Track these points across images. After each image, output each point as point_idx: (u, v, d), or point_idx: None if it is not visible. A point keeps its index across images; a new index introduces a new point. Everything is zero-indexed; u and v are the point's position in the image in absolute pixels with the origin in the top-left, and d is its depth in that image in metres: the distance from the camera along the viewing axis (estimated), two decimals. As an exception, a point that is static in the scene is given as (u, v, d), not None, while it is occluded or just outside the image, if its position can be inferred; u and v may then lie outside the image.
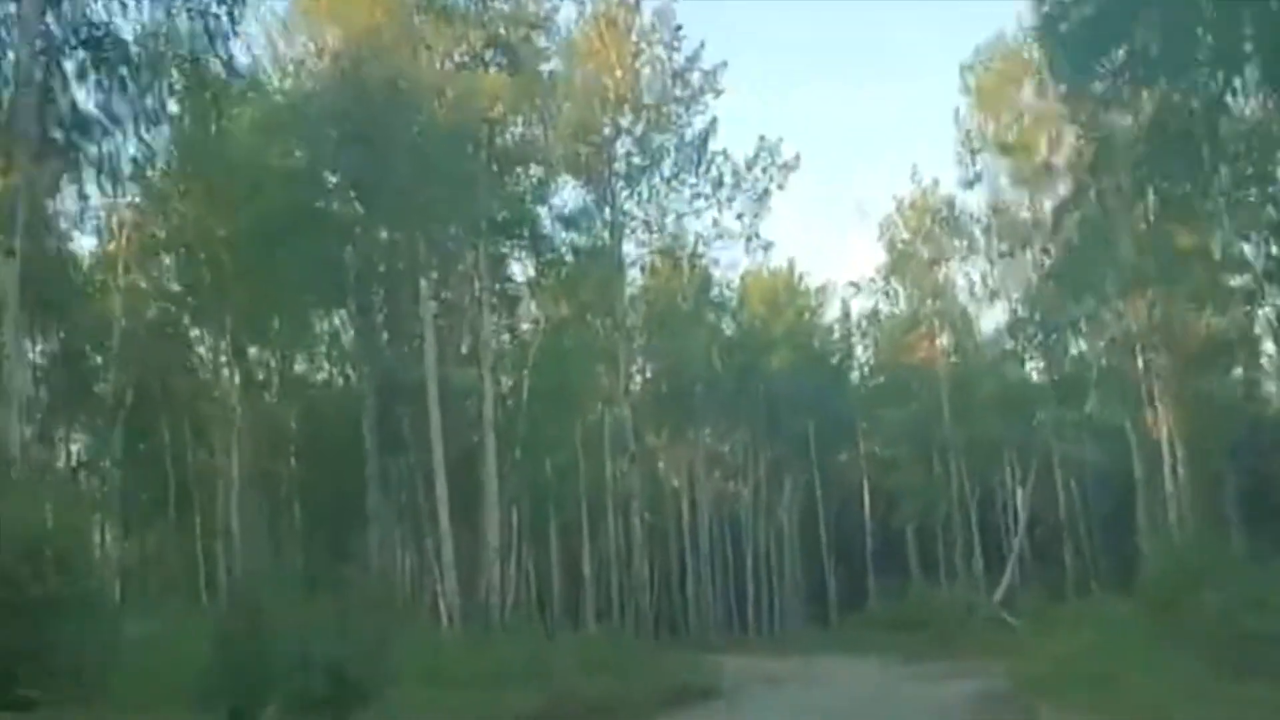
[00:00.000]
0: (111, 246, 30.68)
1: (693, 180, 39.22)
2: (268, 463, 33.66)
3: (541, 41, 31.85)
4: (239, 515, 29.75)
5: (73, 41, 18.09)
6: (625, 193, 38.22)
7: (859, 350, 54.63)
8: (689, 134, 38.96)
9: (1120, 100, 20.44)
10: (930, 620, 34.80)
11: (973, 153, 39.95)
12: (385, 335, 32.34)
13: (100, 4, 18.07)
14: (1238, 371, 32.32)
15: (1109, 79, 19.89)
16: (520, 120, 32.59)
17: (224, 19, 18.94)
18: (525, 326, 36.67)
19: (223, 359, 33.24)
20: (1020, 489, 42.76)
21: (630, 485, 38.87)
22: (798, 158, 40.96)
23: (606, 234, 37.38)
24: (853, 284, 49.60)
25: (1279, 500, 27.35)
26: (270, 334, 33.57)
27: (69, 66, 18.05)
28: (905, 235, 45.99)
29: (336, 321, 34.53)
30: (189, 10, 18.71)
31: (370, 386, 29.82)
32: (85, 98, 18.38)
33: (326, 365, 37.68)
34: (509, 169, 32.79)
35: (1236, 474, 31.72)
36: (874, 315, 51.10)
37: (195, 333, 34.36)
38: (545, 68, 32.48)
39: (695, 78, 38.44)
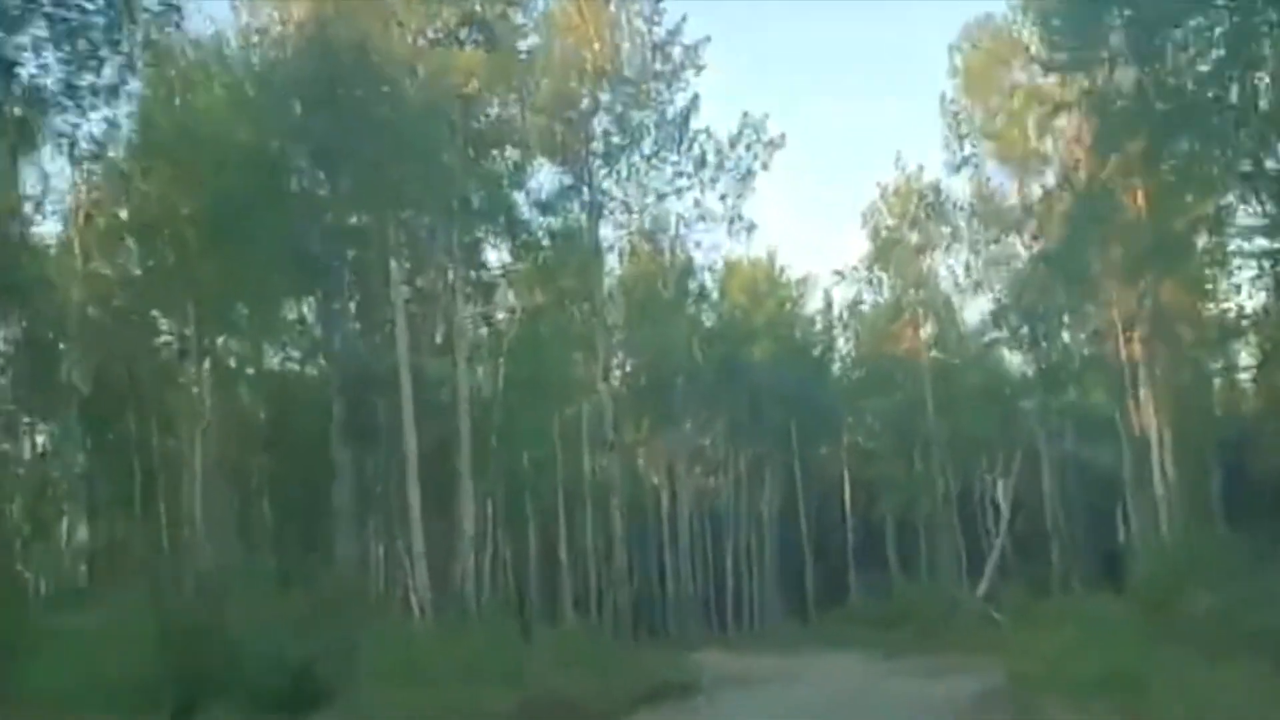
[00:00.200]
0: (73, 230, 29.90)
1: (674, 159, 38.18)
2: (236, 452, 32.84)
3: (519, 18, 31.05)
4: (203, 505, 28.90)
5: (30, 12, 17.38)
6: (604, 171, 37.09)
7: (841, 342, 54.15)
8: (670, 111, 37.93)
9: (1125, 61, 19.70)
10: (913, 616, 34.43)
11: (960, 137, 39.33)
12: (356, 324, 31.49)
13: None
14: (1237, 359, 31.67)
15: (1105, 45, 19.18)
16: (496, 101, 31.68)
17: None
18: (501, 315, 35.75)
19: (188, 346, 32.33)
20: (1003, 482, 42.34)
21: (610, 477, 38.15)
22: (783, 136, 39.97)
23: (584, 216, 36.39)
24: (837, 272, 48.95)
25: (1268, 495, 27.02)
26: (237, 320, 32.67)
27: (25, 39, 17.50)
28: (890, 222, 45.40)
29: (304, 309, 33.58)
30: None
31: (337, 374, 28.97)
32: (43, 72, 17.94)
33: (296, 354, 36.68)
34: (484, 152, 31.87)
35: (1224, 467, 31.39)
36: (856, 305, 50.51)
37: (160, 319, 33.41)
38: (523, 45, 31.65)
39: (676, 52, 37.47)
